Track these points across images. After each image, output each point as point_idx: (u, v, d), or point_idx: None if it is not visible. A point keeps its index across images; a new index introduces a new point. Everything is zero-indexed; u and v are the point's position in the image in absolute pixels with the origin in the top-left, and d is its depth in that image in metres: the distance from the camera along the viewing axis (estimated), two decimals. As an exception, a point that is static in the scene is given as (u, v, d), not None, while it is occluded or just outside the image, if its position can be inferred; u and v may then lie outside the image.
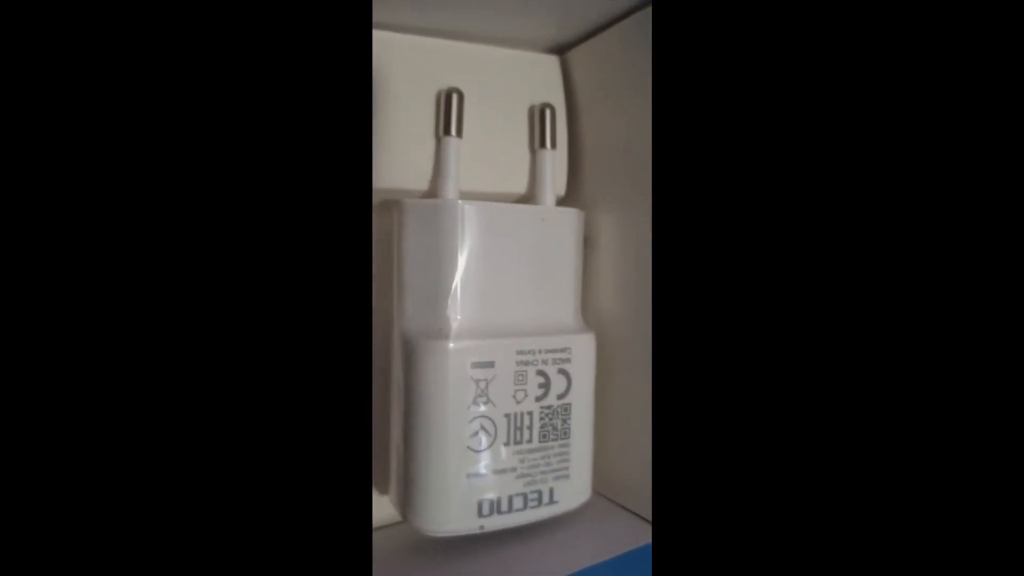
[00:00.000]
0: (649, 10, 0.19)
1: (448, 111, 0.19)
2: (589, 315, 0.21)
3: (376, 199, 0.19)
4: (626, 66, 0.20)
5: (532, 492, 0.19)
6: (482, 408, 0.18)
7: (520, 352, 0.18)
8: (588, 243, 0.21)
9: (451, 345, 0.17)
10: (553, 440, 0.19)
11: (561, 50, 0.22)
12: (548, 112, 0.21)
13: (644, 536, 0.19)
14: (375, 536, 0.19)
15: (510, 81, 0.21)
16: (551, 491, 0.19)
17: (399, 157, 0.19)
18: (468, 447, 0.18)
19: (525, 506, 0.19)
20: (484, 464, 0.18)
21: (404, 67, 0.20)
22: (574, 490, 0.19)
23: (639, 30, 0.19)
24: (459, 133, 0.19)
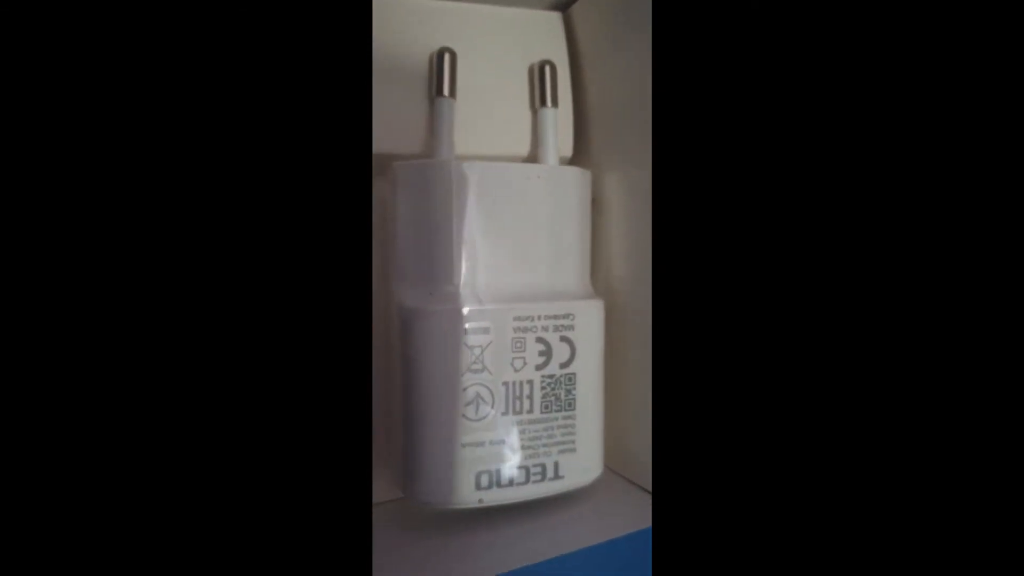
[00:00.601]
0: None
1: (440, 71, 0.19)
2: (600, 281, 0.20)
3: (375, 164, 0.19)
4: (629, 17, 0.19)
5: (535, 465, 0.18)
6: (478, 376, 0.17)
7: (518, 318, 0.17)
8: (595, 205, 0.20)
9: (443, 310, 0.17)
10: (556, 411, 0.18)
11: (564, 6, 0.21)
12: (548, 69, 0.20)
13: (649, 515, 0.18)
14: (375, 511, 0.19)
15: (512, 40, 0.20)
16: (556, 465, 0.18)
17: (400, 122, 0.19)
18: (464, 416, 0.17)
19: (527, 480, 0.18)
20: (481, 434, 0.17)
21: (405, 31, 0.19)
22: (582, 465, 0.18)
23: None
24: (452, 93, 0.19)
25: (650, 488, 0.19)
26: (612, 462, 0.20)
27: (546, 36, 0.21)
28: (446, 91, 0.18)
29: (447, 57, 0.19)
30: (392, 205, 0.18)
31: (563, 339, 0.18)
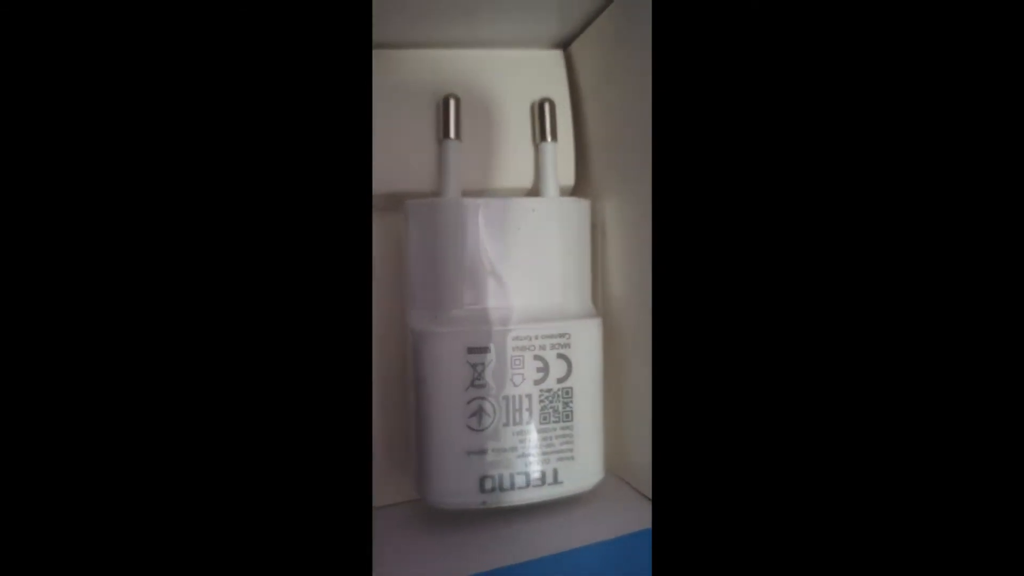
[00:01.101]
0: None
1: (446, 116, 0.21)
2: (601, 301, 0.22)
3: (391, 202, 0.21)
4: (626, 52, 0.20)
5: (535, 471, 0.19)
6: (480, 391, 0.19)
7: (516, 338, 0.19)
8: (595, 231, 0.22)
9: (446, 333, 0.19)
10: (555, 422, 0.20)
11: (565, 44, 0.23)
12: (547, 106, 0.21)
13: (649, 518, 0.19)
14: (391, 512, 0.21)
15: (516, 80, 0.22)
16: (555, 472, 0.20)
17: (412, 163, 0.21)
18: (468, 426, 0.19)
19: (528, 485, 0.19)
20: (484, 443, 0.19)
21: (417, 79, 0.21)
22: (581, 472, 0.20)
23: (633, 10, 0.19)
24: (457, 136, 0.21)
25: (649, 493, 0.21)
26: (614, 468, 0.22)
27: (548, 73, 0.22)
28: (452, 134, 0.21)
29: (452, 103, 0.21)
30: (405, 239, 0.20)
31: (560, 356, 0.20)
